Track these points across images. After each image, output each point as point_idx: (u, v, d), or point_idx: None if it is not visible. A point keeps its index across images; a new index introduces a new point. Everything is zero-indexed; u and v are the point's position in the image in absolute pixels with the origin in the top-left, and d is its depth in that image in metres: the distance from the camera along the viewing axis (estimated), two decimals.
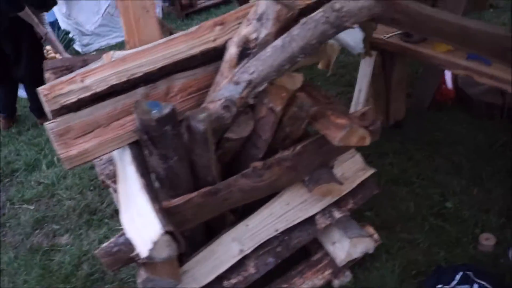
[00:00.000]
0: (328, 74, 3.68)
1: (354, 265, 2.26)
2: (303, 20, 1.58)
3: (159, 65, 1.74)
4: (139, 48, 1.80)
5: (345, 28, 1.56)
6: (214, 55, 1.81)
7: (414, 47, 2.76)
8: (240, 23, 1.80)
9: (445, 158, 2.96)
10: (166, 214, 1.58)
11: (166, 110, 1.56)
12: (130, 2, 1.88)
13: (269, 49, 1.67)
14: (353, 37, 2.69)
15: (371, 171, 2.14)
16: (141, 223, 1.53)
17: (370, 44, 2.88)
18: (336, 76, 4.01)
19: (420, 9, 2.27)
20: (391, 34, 2.89)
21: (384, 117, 3.22)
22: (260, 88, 1.71)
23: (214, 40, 1.80)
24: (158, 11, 6.49)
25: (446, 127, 3.24)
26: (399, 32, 2.88)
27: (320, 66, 3.16)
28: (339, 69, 4.05)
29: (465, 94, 3.38)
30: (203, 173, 1.78)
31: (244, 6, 1.86)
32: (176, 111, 1.61)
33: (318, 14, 1.56)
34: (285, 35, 1.63)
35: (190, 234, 1.95)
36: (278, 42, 1.64)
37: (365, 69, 3.10)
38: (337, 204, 2.07)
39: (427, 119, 3.32)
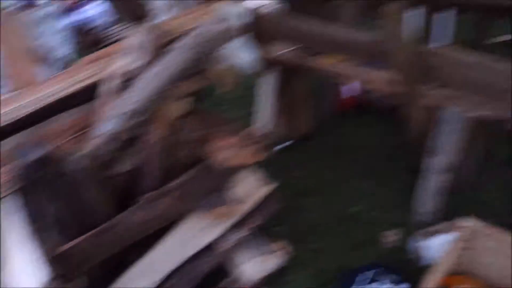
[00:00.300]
0: (231, 95, 3.73)
1: (269, 280, 2.27)
2: (173, 47, 1.61)
3: (40, 106, 1.71)
4: (17, 91, 1.76)
5: (215, 51, 1.61)
6: (96, 91, 1.79)
7: (307, 61, 2.86)
8: (118, 56, 1.80)
9: (352, 163, 3.07)
10: (57, 259, 1.53)
11: (40, 153, 1.52)
12: (10, 46, 1.85)
13: (146, 78, 1.68)
14: (246, 57, 2.75)
15: (272, 187, 2.18)
16: (27, 272, 1.47)
17: (268, 61, 2.97)
18: (244, 97, 4.05)
19: (305, 25, 2.38)
20: (286, 50, 2.97)
21: (291, 131, 3.29)
22: (143, 118, 1.71)
23: (94, 75, 1.79)
24: (70, 49, 6.30)
25: (352, 133, 3.37)
26: (295, 47, 2.97)
27: (220, 89, 3.20)
28: (247, 90, 4.10)
29: (367, 98, 3.53)
30: (94, 211, 1.74)
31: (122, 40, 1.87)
32: (53, 152, 1.57)
33: (186, 40, 1.59)
34: (159, 63, 1.65)
35: (94, 274, 1.89)
36: (154, 70, 1.66)
37: (266, 87, 3.17)
38: (241, 224, 2.09)
39: (333, 128, 3.43)
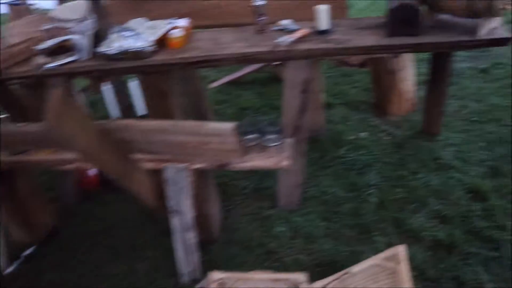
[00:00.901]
0: None
1: None
2: None
3: None
4: None
5: None
6: None
7: (22, 158, 2.64)
8: None
9: (105, 246, 2.90)
10: None
11: None
12: None
13: None
14: None
15: None
16: None
17: None
18: None
19: None
20: None
21: (33, 234, 2.97)
22: None
23: None
24: None
25: (101, 214, 3.19)
26: None
27: None
28: None
29: (106, 176, 3.41)
30: None
31: None
32: None
33: None
34: None
35: None
36: None
37: None
38: None
39: (82, 213, 3.23)
